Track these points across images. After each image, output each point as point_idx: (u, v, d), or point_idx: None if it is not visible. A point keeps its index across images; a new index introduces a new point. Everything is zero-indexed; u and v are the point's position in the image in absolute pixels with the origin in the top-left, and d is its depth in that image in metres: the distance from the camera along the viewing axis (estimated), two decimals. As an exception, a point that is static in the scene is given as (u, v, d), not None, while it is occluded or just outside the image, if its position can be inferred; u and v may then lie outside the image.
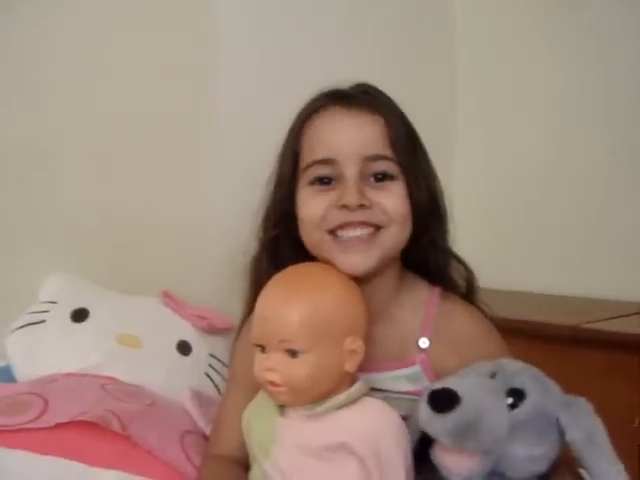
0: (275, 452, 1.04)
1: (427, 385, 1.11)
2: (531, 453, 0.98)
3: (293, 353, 1.01)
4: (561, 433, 1.00)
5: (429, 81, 2.38)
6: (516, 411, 0.99)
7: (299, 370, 1.01)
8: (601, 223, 2.23)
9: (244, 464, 1.13)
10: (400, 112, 1.17)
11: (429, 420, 0.98)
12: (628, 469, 0.98)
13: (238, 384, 1.18)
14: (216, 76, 1.82)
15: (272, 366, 1.01)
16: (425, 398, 0.99)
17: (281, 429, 1.05)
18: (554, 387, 1.03)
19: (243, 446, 1.12)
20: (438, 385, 1.00)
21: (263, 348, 1.04)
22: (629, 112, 2.16)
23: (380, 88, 1.20)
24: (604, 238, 2.21)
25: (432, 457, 1.01)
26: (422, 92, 2.30)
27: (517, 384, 1.01)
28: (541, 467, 1.00)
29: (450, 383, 1.00)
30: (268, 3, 1.95)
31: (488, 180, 2.45)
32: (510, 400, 0.99)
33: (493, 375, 1.02)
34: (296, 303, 1.02)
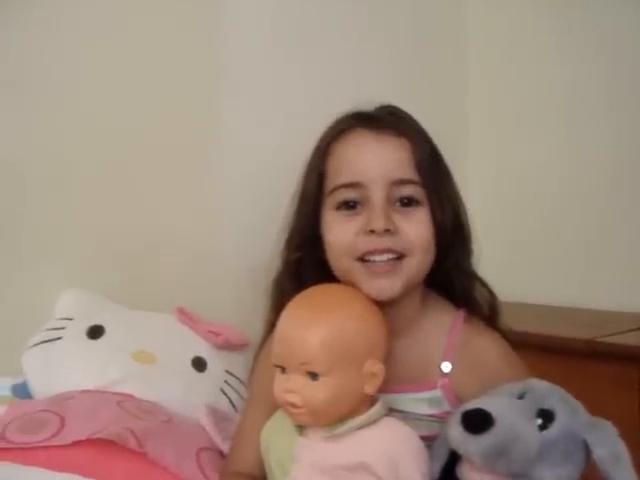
0: (294, 471, 1.04)
1: (458, 407, 1.10)
2: (558, 473, 0.99)
3: (313, 375, 1.01)
4: (586, 453, 1.00)
5: (440, 95, 2.38)
6: (545, 432, 0.99)
7: (319, 393, 1.00)
8: (612, 235, 2.22)
9: None
10: (424, 133, 1.17)
11: (463, 441, 0.98)
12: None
13: (258, 403, 1.18)
14: (230, 91, 1.82)
15: (292, 388, 1.01)
16: (458, 418, 0.99)
17: (300, 449, 1.05)
18: (581, 408, 1.04)
19: (261, 464, 1.13)
20: (471, 406, 1.00)
21: (283, 369, 1.04)
22: (641, 125, 2.16)
23: (398, 105, 1.20)
24: (618, 250, 2.20)
25: (459, 475, 1.02)
26: (433, 106, 2.30)
27: (546, 405, 1.01)
28: None
29: (483, 404, 1.00)
30: (280, 17, 1.95)
31: (500, 193, 2.44)
32: (540, 421, 1.00)
33: (521, 396, 1.03)
34: (317, 326, 1.02)
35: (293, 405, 1.02)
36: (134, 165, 1.68)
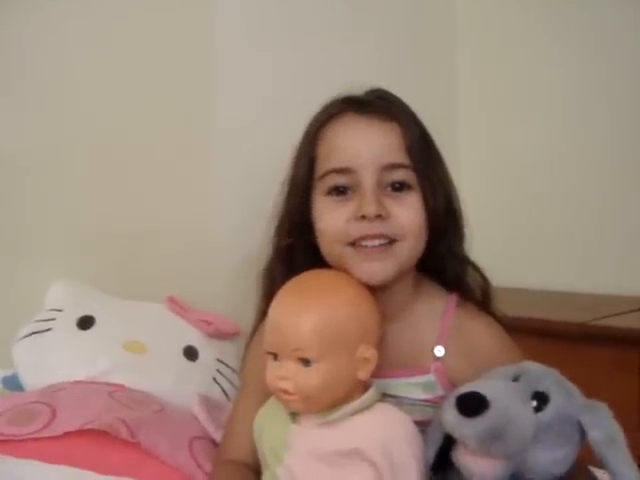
0: (287, 458, 1.04)
1: (452, 391, 1.10)
2: (554, 456, 0.98)
3: (306, 362, 1.00)
4: (581, 435, 1.00)
5: (430, 82, 2.38)
6: (540, 415, 0.98)
7: (312, 379, 1.00)
8: (607, 218, 2.22)
9: (256, 470, 1.12)
10: (415, 117, 1.15)
11: (458, 424, 0.97)
12: (640, 468, 0.99)
13: (250, 392, 1.17)
14: (219, 80, 1.82)
15: (285, 375, 1.01)
16: (453, 402, 0.98)
17: (293, 436, 1.04)
18: (575, 390, 1.03)
19: (255, 452, 1.12)
20: (465, 389, 0.99)
21: (275, 356, 1.03)
22: (632, 109, 2.16)
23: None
24: (611, 233, 2.21)
25: (454, 459, 1.01)
26: (423, 93, 2.28)
27: (541, 388, 1.00)
28: (562, 469, 1.00)
29: (477, 387, 0.99)
30: (267, 9, 1.94)
31: (493, 178, 2.44)
32: (534, 403, 0.99)
33: (516, 378, 1.02)
34: (309, 312, 1.01)
35: (286, 392, 1.01)
36: (125, 156, 1.68)
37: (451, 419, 0.98)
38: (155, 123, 1.71)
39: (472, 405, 0.97)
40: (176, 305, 1.54)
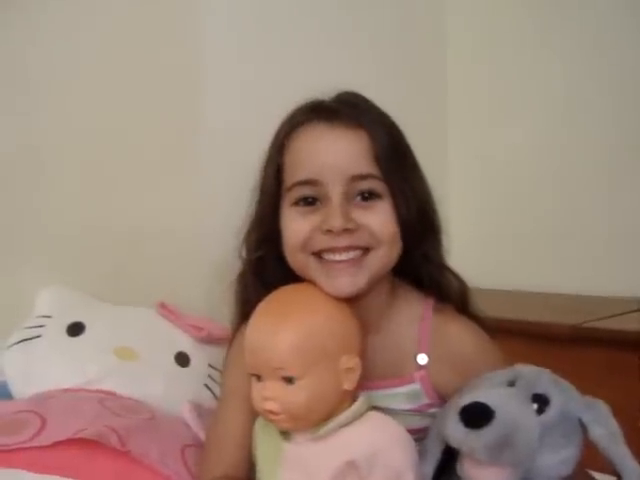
0: (281, 474, 1.03)
1: (438, 399, 1.10)
2: (560, 457, 0.98)
3: (289, 380, 0.99)
4: (583, 433, 1.00)
5: (420, 84, 2.39)
6: (542, 417, 0.98)
7: (297, 397, 0.99)
8: (596, 220, 2.23)
9: None
10: (387, 122, 1.12)
11: (464, 437, 0.96)
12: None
13: (233, 402, 1.14)
14: (212, 86, 1.82)
15: (269, 395, 1.00)
16: (456, 416, 0.97)
17: (286, 453, 1.03)
18: (572, 388, 1.03)
19: (243, 464, 1.10)
20: (466, 401, 0.98)
21: (259, 377, 1.02)
22: (621, 108, 2.17)
23: (369, 94, 1.15)
24: (600, 235, 2.22)
25: (459, 473, 1.00)
26: (413, 95, 2.31)
27: (539, 390, 1.00)
28: (569, 469, 0.99)
29: (478, 397, 0.98)
30: (256, 11, 1.94)
31: (482, 180, 2.45)
32: (535, 406, 0.99)
33: (512, 383, 1.02)
34: (285, 330, 0.99)
35: (272, 412, 1.00)
36: (115, 161, 1.67)
37: (457, 433, 0.96)
38: (144, 132, 1.70)
39: (477, 416, 0.95)
40: (167, 311, 1.53)
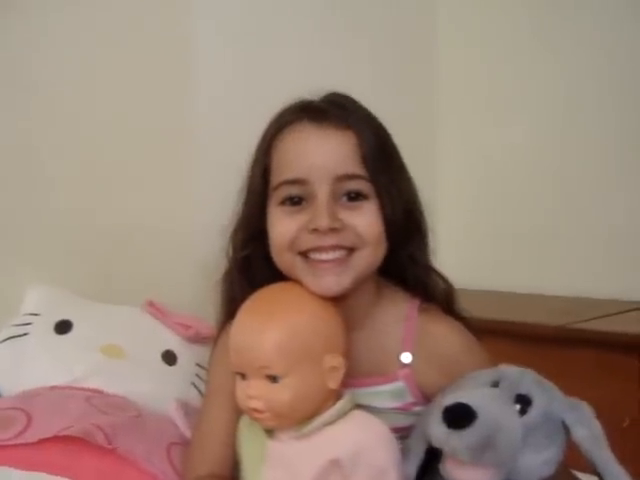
0: (265, 472, 1.03)
1: (423, 401, 1.10)
2: (542, 457, 0.99)
3: (273, 379, 1.00)
4: (566, 434, 1.00)
5: (409, 83, 2.39)
6: (525, 418, 0.99)
7: (281, 395, 0.99)
8: (583, 222, 2.23)
9: None
10: (374, 124, 1.13)
11: (446, 438, 0.96)
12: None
13: (218, 400, 1.15)
14: (203, 86, 1.82)
15: (254, 394, 1.00)
16: (439, 416, 0.97)
17: (270, 451, 1.04)
18: (555, 388, 1.04)
19: (227, 462, 1.11)
20: (449, 401, 0.99)
21: (243, 375, 1.02)
22: (619, 108, 2.17)
23: (359, 93, 1.16)
24: (587, 237, 2.22)
25: (442, 473, 1.01)
26: (404, 94, 2.31)
27: (523, 390, 1.00)
28: (551, 469, 1.00)
29: (461, 397, 0.99)
30: (246, 11, 1.95)
31: (470, 180, 2.45)
32: (518, 407, 0.99)
33: (495, 384, 1.02)
34: (270, 329, 1.00)
35: (256, 410, 1.01)
36: (103, 161, 1.67)
37: (439, 434, 0.97)
38: (133, 131, 1.70)
39: (459, 417, 0.96)
40: (155, 309, 1.53)
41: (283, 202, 1.10)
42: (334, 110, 1.11)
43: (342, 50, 2.15)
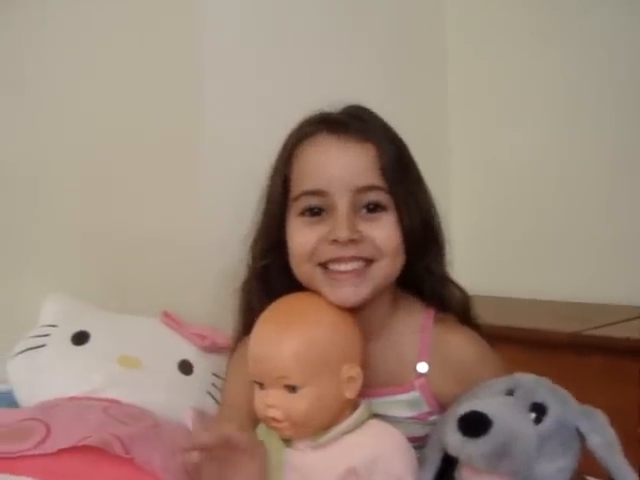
0: None
1: (441, 410, 1.11)
2: (557, 465, 0.99)
3: (292, 388, 1.01)
4: (581, 442, 1.01)
5: (421, 91, 2.39)
6: (540, 426, 0.99)
7: (299, 405, 1.00)
8: (599, 225, 2.22)
9: None
10: (392, 136, 1.15)
11: (461, 446, 0.97)
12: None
13: (233, 410, 1.16)
14: (212, 92, 1.82)
15: (272, 403, 1.01)
16: (454, 424, 0.98)
17: (288, 460, 1.04)
18: (569, 396, 1.04)
19: None
20: (464, 409, 0.99)
21: (262, 385, 1.03)
22: (624, 110, 2.15)
23: (369, 100, 1.17)
24: (599, 242, 2.21)
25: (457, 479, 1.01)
26: (414, 102, 2.31)
27: (538, 399, 1.01)
28: (565, 478, 1.00)
29: (476, 406, 0.99)
30: (257, 16, 1.95)
31: (484, 186, 2.44)
32: (533, 415, 1.00)
33: (510, 392, 1.03)
34: (289, 339, 1.01)
35: (275, 420, 1.02)
36: (117, 170, 1.67)
37: (455, 442, 0.98)
38: (146, 140, 1.71)
39: (475, 425, 0.97)
40: (171, 319, 1.54)
41: (303, 213, 1.11)
42: (353, 122, 1.12)
43: (351, 55, 2.14)
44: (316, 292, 1.10)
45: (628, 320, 1.95)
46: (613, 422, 1.03)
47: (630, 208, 2.17)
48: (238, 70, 1.89)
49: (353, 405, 1.05)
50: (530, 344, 1.82)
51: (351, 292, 1.08)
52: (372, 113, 1.17)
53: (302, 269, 1.11)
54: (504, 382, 1.06)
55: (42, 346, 1.41)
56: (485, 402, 1.01)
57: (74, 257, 1.61)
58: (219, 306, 1.69)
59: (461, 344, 1.14)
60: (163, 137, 1.74)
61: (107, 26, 1.66)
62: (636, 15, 2.13)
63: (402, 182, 1.11)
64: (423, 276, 1.16)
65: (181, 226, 1.76)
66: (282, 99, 1.90)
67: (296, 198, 1.11)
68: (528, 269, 2.34)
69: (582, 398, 1.05)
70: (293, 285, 1.13)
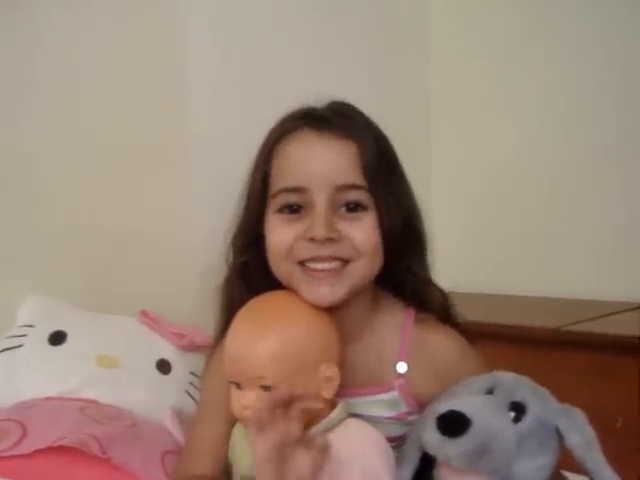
0: None
1: (419, 409, 1.10)
2: (537, 464, 0.99)
3: (268, 389, 0.99)
4: (559, 440, 1.01)
5: (403, 90, 2.40)
6: (519, 425, 0.99)
7: None
8: (577, 224, 2.23)
9: None
10: (376, 133, 1.13)
11: (440, 446, 0.97)
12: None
13: (211, 411, 1.15)
14: (197, 91, 1.82)
15: (249, 403, 1.00)
16: (433, 424, 0.98)
17: None
18: (549, 395, 1.04)
19: (217, 471, 1.10)
20: (443, 409, 0.99)
21: (238, 385, 1.02)
22: (612, 107, 2.16)
23: (349, 97, 1.16)
24: (581, 239, 2.22)
25: (436, 479, 1.01)
26: (396, 101, 2.32)
27: (517, 398, 1.01)
28: (544, 476, 1.00)
29: (455, 405, 0.99)
30: (240, 14, 1.95)
31: (466, 183, 2.45)
32: (512, 414, 1.00)
33: (490, 391, 1.02)
34: (265, 339, 1.00)
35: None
36: (99, 168, 1.66)
37: (433, 441, 0.97)
38: (129, 138, 1.70)
39: (454, 425, 0.96)
40: (149, 318, 1.53)
41: (281, 209, 1.09)
42: (336, 119, 1.11)
43: (334, 55, 2.15)
44: (293, 291, 1.09)
45: (611, 314, 1.96)
46: (594, 416, 1.03)
47: (618, 205, 2.18)
48: (221, 66, 1.88)
49: (331, 405, 1.04)
50: (514, 340, 1.83)
51: (327, 292, 1.06)
52: (357, 110, 1.15)
53: (280, 267, 1.10)
54: (484, 381, 1.05)
55: (19, 346, 1.40)
56: (464, 401, 1.00)
57: (54, 256, 1.60)
58: (201, 304, 1.69)
59: (441, 343, 1.14)
60: (147, 136, 1.73)
61: (94, 27, 1.66)
62: (620, 5, 2.13)
63: (384, 181, 1.09)
64: (404, 276, 1.15)
65: (163, 225, 1.76)
66: (267, 98, 1.89)
67: (275, 194, 1.10)
68: (510, 266, 2.34)
69: (564, 392, 1.05)
70: (273, 282, 1.12)
